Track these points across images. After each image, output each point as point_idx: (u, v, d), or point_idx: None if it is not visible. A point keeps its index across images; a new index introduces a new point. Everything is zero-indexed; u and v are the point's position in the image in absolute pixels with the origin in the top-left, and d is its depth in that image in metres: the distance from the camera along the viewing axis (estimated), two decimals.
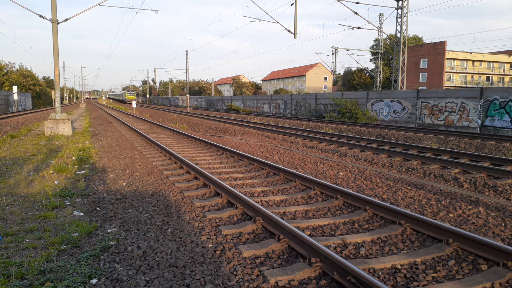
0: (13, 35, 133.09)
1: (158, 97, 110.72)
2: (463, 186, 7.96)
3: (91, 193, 7.58)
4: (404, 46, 31.14)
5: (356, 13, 28.53)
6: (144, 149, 12.88)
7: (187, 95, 61.53)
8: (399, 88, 30.98)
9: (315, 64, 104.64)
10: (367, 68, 59.51)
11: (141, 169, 9.41)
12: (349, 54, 40.21)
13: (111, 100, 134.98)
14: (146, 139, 14.96)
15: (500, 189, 7.55)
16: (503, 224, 5.34)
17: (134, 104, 44.43)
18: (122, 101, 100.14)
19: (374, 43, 74.77)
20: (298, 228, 5.07)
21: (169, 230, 5.23)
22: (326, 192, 6.79)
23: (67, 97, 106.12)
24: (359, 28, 32.63)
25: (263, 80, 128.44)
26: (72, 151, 12.79)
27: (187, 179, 8.23)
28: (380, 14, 38.49)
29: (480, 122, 19.57)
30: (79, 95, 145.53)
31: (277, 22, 26.86)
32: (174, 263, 4.18)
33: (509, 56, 71.31)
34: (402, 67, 31.23)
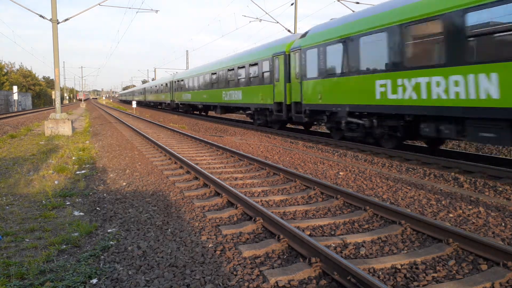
0: (13, 35, 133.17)
1: None
2: (463, 186, 7.96)
3: (91, 193, 7.58)
4: None
5: None
6: (144, 149, 12.89)
7: None
8: None
9: None
10: None
11: (141, 169, 9.41)
12: None
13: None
14: (146, 139, 14.97)
15: (500, 189, 7.55)
16: (503, 224, 5.34)
17: (134, 104, 44.30)
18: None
19: None
20: (298, 228, 5.06)
21: (169, 230, 5.24)
22: (326, 192, 6.79)
23: (67, 97, 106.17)
24: None
25: None
26: (72, 151, 12.79)
27: (187, 179, 8.24)
28: None
29: None
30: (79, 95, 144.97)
31: (277, 22, 26.87)
32: (174, 263, 4.18)
33: None
34: None
